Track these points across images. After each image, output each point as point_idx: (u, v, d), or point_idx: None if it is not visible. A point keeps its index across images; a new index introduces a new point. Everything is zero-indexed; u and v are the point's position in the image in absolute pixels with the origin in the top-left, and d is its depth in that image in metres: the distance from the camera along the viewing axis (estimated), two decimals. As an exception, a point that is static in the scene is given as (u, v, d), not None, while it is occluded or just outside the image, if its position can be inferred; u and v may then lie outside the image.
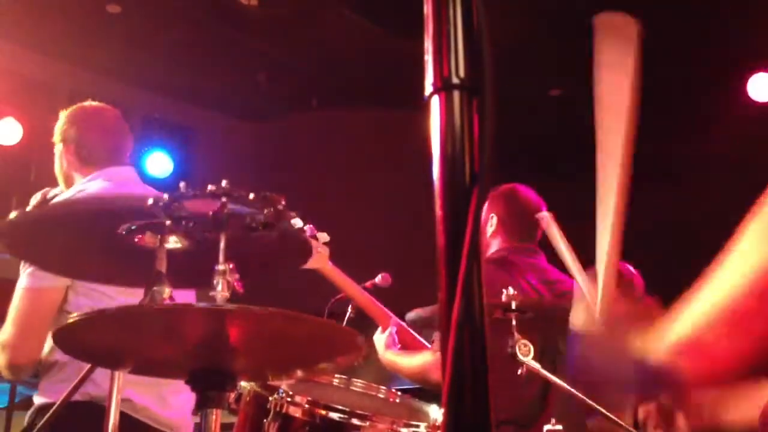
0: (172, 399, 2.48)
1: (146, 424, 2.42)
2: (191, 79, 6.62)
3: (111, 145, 2.71)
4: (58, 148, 2.71)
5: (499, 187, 3.09)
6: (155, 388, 2.45)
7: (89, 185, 2.58)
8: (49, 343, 2.43)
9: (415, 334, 2.99)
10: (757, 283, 0.81)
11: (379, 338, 2.92)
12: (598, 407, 2.08)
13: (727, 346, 0.83)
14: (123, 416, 2.30)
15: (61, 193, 2.71)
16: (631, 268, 3.76)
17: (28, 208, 2.52)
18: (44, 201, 2.68)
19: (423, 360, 2.73)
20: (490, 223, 2.97)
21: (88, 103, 2.81)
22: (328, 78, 6.60)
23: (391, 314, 2.97)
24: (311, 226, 2.48)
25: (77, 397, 2.30)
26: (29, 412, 2.47)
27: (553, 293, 2.73)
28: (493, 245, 2.94)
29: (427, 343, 2.94)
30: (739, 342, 0.82)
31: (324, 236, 2.52)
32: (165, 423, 2.47)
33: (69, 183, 2.70)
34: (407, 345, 2.92)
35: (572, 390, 2.03)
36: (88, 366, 2.27)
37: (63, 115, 2.75)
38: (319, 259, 2.65)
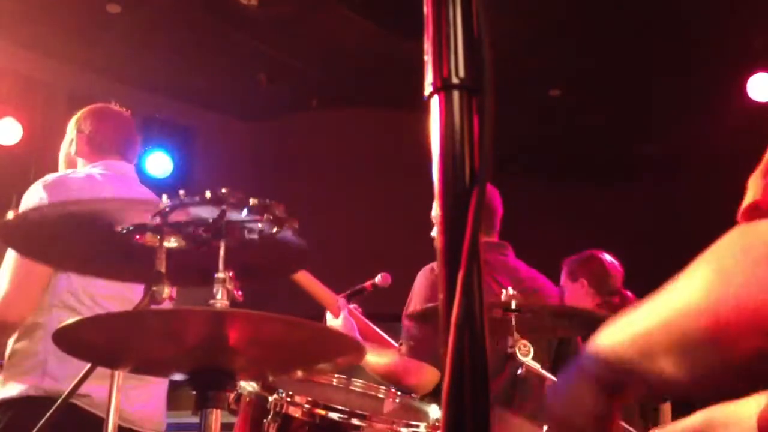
0: (132, 393, 2.42)
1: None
2: (191, 79, 6.62)
3: (123, 138, 2.84)
4: (71, 135, 2.81)
5: None
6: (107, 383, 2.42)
7: (84, 170, 2.70)
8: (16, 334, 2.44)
9: (373, 325, 2.96)
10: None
11: (334, 323, 2.88)
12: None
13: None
14: (81, 412, 2.28)
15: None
16: (612, 259, 3.75)
17: (21, 207, 2.55)
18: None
19: (391, 361, 2.70)
20: None
21: (106, 104, 2.94)
22: (328, 78, 6.60)
23: (341, 299, 2.93)
24: None
25: (32, 392, 2.30)
26: None
27: (524, 292, 2.72)
28: None
29: (382, 333, 2.92)
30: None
31: None
32: (126, 418, 2.39)
33: (71, 166, 2.81)
34: (365, 336, 2.89)
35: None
36: (46, 361, 2.28)
37: (80, 111, 2.86)
38: None
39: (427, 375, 2.59)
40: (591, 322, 2.31)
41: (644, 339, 0.82)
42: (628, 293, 3.65)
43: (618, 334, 0.87)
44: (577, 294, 3.63)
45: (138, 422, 2.46)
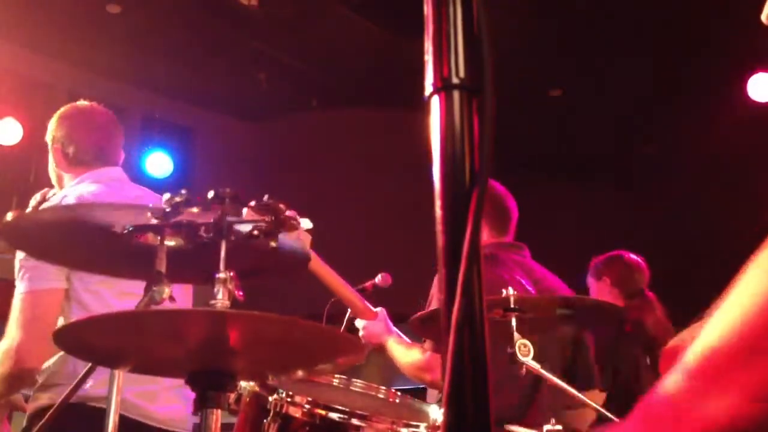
0: (163, 395, 2.46)
1: (140, 423, 2.41)
2: (191, 79, 6.63)
3: (97, 143, 2.69)
4: (49, 148, 2.72)
5: None
6: (147, 384, 2.44)
7: (74, 189, 2.58)
8: None
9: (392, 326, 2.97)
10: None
11: (374, 325, 2.89)
12: (593, 405, 2.09)
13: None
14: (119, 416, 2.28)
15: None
16: (639, 260, 3.78)
17: (28, 209, 2.52)
18: (44, 201, 2.69)
19: (415, 358, 2.72)
20: None
21: (81, 102, 2.80)
22: (328, 78, 6.61)
23: (371, 306, 2.92)
24: (293, 212, 2.45)
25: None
26: (26, 417, 2.46)
27: (540, 292, 2.73)
28: None
29: (400, 334, 2.93)
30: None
31: (306, 222, 2.49)
32: (158, 419, 2.44)
33: (60, 183, 2.71)
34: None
35: (568, 388, 2.03)
36: (80, 371, 2.26)
37: (55, 115, 2.75)
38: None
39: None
40: (601, 315, 2.32)
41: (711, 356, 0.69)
42: (651, 294, 3.68)
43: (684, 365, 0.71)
44: (600, 292, 3.68)
45: (168, 422, 2.47)
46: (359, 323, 2.90)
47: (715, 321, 0.73)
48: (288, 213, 2.46)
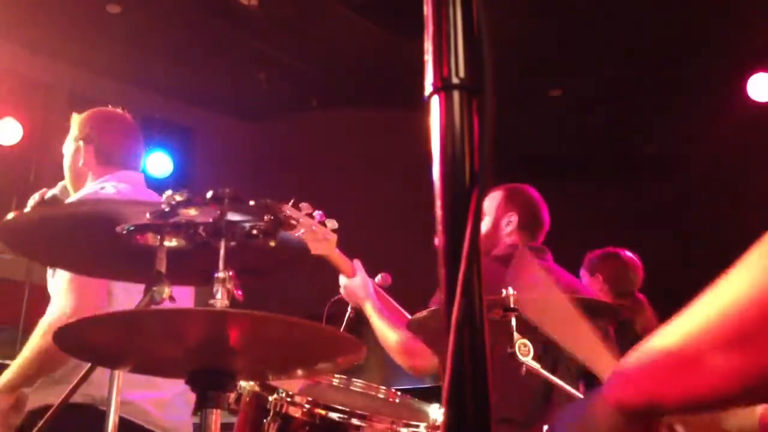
0: (172, 402, 2.46)
1: (144, 428, 2.40)
2: (191, 79, 6.63)
3: (129, 150, 2.77)
4: (77, 145, 2.71)
5: (511, 184, 3.07)
6: (161, 391, 2.43)
7: (108, 183, 2.59)
8: None
9: (391, 299, 2.91)
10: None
11: (352, 283, 2.80)
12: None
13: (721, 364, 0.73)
14: (122, 421, 2.28)
15: (61, 193, 2.71)
16: (635, 260, 3.77)
17: (27, 209, 2.51)
18: (42, 201, 2.68)
19: (393, 339, 2.68)
20: (508, 221, 2.95)
21: (111, 108, 2.85)
22: (328, 78, 6.61)
23: (356, 261, 2.87)
24: (320, 212, 2.46)
25: (77, 398, 2.26)
26: (26, 413, 2.44)
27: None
28: (506, 242, 2.93)
29: (402, 309, 2.89)
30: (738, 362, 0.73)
31: (333, 223, 2.49)
32: (163, 426, 2.44)
33: (80, 179, 2.70)
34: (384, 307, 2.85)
35: (571, 390, 2.03)
36: (80, 368, 2.24)
37: (82, 115, 2.77)
38: (327, 246, 2.61)
39: (427, 360, 2.58)
40: (604, 314, 2.30)
41: (692, 339, 0.76)
42: (641, 297, 3.66)
43: (655, 345, 0.80)
44: (591, 288, 3.65)
45: (171, 430, 2.47)
46: (342, 281, 2.86)
47: (694, 309, 0.79)
48: (315, 213, 2.45)
